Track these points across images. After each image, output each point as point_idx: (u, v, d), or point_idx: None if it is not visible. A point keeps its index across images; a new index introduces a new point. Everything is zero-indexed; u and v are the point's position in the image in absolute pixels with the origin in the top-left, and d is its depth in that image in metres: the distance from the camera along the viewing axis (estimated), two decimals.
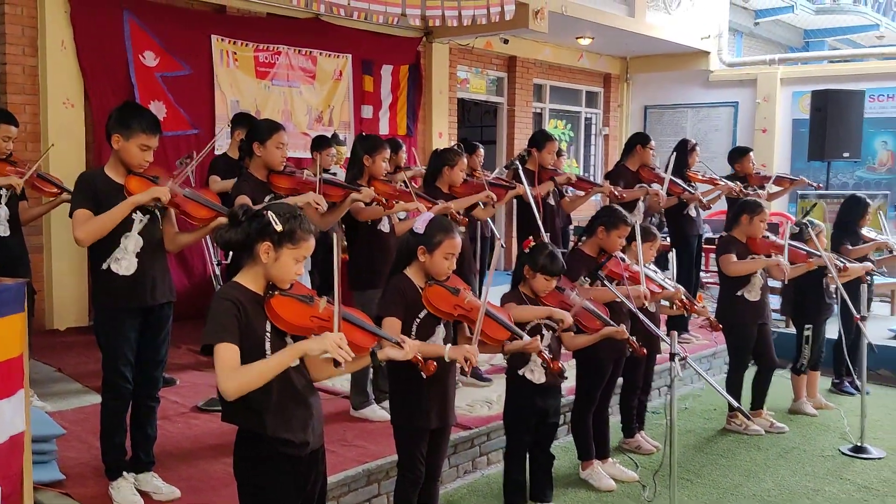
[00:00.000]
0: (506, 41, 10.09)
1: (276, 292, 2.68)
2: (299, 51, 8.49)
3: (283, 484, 2.65)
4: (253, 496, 2.67)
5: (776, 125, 12.06)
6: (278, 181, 4.36)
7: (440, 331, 3.45)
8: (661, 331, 3.80)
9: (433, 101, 10.03)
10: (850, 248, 6.41)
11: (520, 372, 4.03)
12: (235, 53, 7.93)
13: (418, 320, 3.39)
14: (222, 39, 7.81)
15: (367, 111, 9.15)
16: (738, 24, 15.51)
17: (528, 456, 4.24)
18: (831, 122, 9.58)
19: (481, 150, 7.76)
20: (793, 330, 6.50)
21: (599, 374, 4.67)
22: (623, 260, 4.75)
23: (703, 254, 7.86)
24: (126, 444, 3.78)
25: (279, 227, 2.61)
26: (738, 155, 7.73)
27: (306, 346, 2.56)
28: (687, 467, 5.04)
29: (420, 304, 3.39)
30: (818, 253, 5.60)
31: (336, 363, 2.60)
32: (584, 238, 4.77)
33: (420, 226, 3.41)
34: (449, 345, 3.33)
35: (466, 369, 3.28)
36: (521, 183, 5.72)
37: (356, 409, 4.99)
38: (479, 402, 5.26)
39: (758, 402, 5.86)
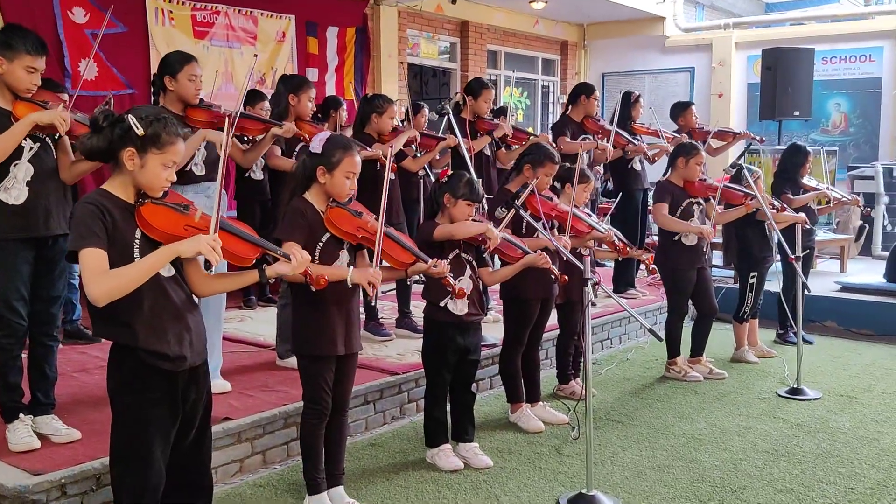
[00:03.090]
0: (454, 1, 9.93)
1: (148, 200, 2.55)
2: (239, 10, 8.27)
3: (157, 400, 2.52)
4: (125, 414, 2.54)
5: (732, 89, 12.02)
6: (194, 115, 4.20)
7: (344, 256, 3.34)
8: (595, 276, 3.70)
9: (382, 64, 9.86)
10: (792, 197, 6.35)
11: (441, 303, 3.92)
12: (171, 12, 7.71)
13: (321, 244, 3.28)
14: None
15: (312, 74, 8.94)
16: None
17: (449, 395, 4.15)
18: (781, 80, 9.54)
19: (426, 111, 7.63)
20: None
21: (527, 315, 4.57)
22: (551, 199, 4.65)
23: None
24: (26, 386, 3.63)
25: (141, 131, 2.47)
26: (680, 109, 7.62)
27: (179, 246, 2.45)
28: (620, 411, 4.98)
29: (322, 227, 3.28)
30: (753, 193, 5.53)
31: (207, 265, 2.50)
32: (511, 175, 4.65)
33: (317, 145, 3.28)
34: (352, 267, 3.22)
35: (370, 293, 3.18)
36: (454, 134, 5.58)
37: (282, 359, 4.87)
38: (411, 352, 5.14)
39: (697, 349, 5.80)
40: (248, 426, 3.92)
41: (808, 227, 6.11)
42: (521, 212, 4.17)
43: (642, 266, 7.42)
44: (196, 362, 2.62)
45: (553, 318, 4.90)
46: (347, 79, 9.40)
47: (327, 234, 3.28)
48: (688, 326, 5.83)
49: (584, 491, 3.64)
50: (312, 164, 3.29)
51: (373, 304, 3.23)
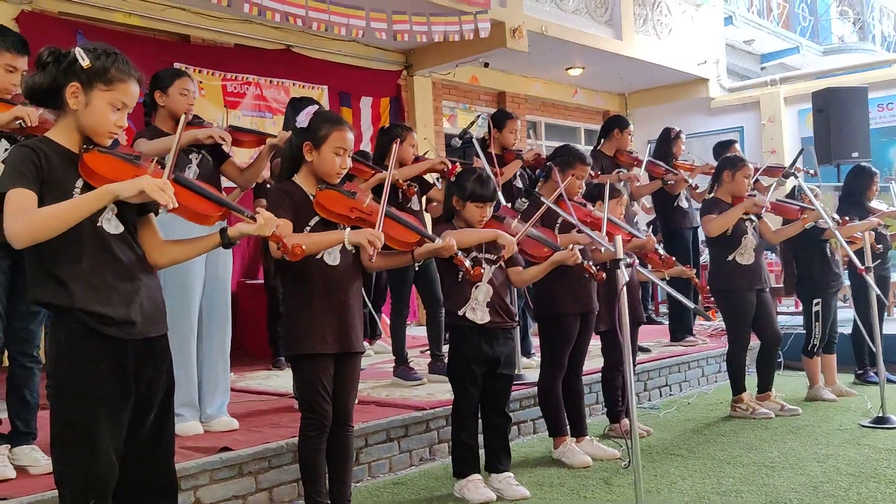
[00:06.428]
0: (486, 64, 9.81)
1: (94, 147, 2.26)
2: (270, 81, 8.26)
3: (103, 373, 2.14)
4: (65, 388, 2.14)
5: (784, 145, 11.56)
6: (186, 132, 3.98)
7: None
8: (628, 258, 3.30)
9: (418, 135, 9.71)
10: (856, 223, 5.77)
11: (460, 312, 3.51)
12: (201, 83, 7.70)
13: (308, 228, 2.94)
14: (186, 68, 7.59)
15: None
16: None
17: (481, 418, 3.67)
18: (835, 121, 9.05)
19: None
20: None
21: (565, 332, 4.09)
22: (584, 205, 4.27)
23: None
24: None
25: (86, 63, 2.22)
26: (723, 149, 7.06)
27: (118, 186, 2.12)
28: (680, 446, 4.41)
29: (310, 209, 2.95)
30: (811, 207, 5.04)
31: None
32: (540, 182, 4.26)
33: (304, 119, 2.99)
34: (349, 228, 2.87)
35: (371, 253, 2.82)
36: (479, 158, 5.28)
37: None
38: (442, 391, 4.68)
39: (765, 383, 5.20)
40: (250, 458, 3.49)
41: (879, 249, 5.56)
42: (544, 199, 3.76)
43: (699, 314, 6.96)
44: (150, 333, 2.25)
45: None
46: None
47: (316, 218, 2.95)
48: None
49: None
50: (298, 141, 3.00)
51: (371, 259, 2.86)
